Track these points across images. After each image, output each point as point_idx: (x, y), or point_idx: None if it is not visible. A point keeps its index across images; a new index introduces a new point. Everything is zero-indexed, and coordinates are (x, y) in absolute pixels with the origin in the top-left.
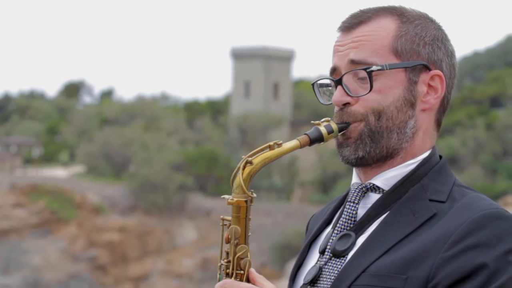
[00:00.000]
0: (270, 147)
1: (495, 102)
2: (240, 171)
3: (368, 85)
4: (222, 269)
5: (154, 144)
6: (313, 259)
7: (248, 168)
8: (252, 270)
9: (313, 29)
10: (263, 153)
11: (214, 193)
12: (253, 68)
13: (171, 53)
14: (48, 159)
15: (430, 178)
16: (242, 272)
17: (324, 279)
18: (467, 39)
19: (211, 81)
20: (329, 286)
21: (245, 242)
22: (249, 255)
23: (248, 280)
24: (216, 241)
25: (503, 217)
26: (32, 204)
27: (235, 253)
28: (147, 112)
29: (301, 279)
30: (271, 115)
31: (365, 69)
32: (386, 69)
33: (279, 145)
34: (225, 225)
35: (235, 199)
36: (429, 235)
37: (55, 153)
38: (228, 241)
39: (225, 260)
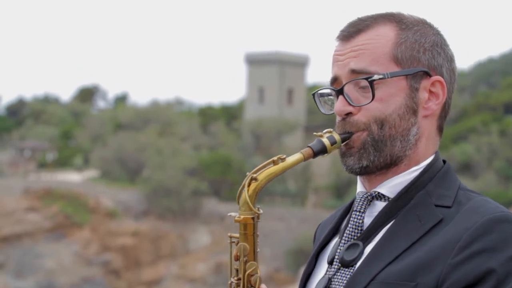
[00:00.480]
0: (274, 162)
1: (510, 108)
2: (246, 188)
3: (370, 94)
4: (232, 286)
5: (168, 149)
6: (322, 269)
7: (254, 185)
8: (263, 286)
9: (328, 35)
10: (267, 168)
11: (228, 198)
12: (267, 74)
13: (185, 58)
14: (62, 163)
15: (435, 184)
16: None
17: None
18: (482, 45)
19: (226, 86)
20: None
21: (254, 259)
22: (259, 272)
23: None
24: (229, 246)
25: (509, 220)
26: (46, 208)
27: (245, 270)
28: (161, 117)
29: None
30: (285, 120)
31: (366, 79)
32: (388, 77)
33: (283, 159)
34: (233, 242)
35: (242, 217)
36: (437, 241)
37: (69, 158)
38: (237, 258)
39: (235, 278)
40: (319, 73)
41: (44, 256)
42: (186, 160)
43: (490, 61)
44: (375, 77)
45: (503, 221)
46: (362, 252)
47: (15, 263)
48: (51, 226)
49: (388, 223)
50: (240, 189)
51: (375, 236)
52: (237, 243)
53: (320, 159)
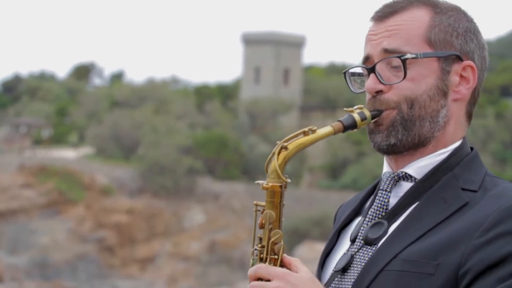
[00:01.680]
0: (305, 133)
1: (506, 91)
2: (275, 156)
3: (402, 73)
4: (255, 254)
5: (164, 127)
6: (343, 247)
7: (283, 154)
8: (286, 255)
9: (324, 15)
10: (298, 138)
11: (222, 177)
12: (263, 54)
13: (182, 37)
14: (58, 140)
15: (462, 168)
16: (276, 257)
17: (356, 267)
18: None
19: (222, 65)
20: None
21: (279, 227)
22: (282, 241)
23: (282, 265)
24: (223, 225)
25: None
26: (40, 184)
27: (269, 238)
28: (157, 95)
29: (330, 267)
30: (280, 100)
31: (399, 57)
32: (420, 57)
33: (314, 131)
34: (258, 210)
35: (270, 184)
36: (461, 223)
37: (65, 135)
38: (262, 226)
39: (259, 245)
40: (316, 54)
41: (38, 233)
42: (181, 139)
43: (487, 44)
44: (408, 55)
45: None
46: (386, 231)
47: (9, 239)
48: (46, 203)
49: (414, 204)
50: (269, 157)
51: (400, 215)
52: (263, 211)
53: None
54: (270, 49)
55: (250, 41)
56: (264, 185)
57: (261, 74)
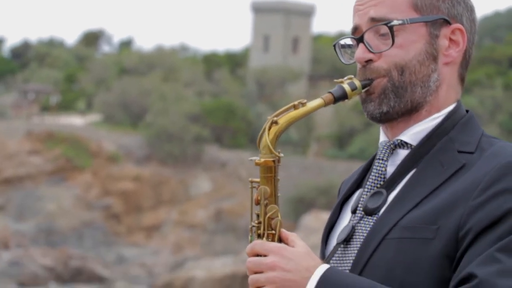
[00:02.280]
0: (295, 107)
1: None
2: (266, 132)
3: (390, 41)
4: (253, 231)
5: (172, 94)
6: (345, 219)
7: (274, 128)
8: (283, 230)
9: None
10: (288, 112)
11: (230, 145)
12: (273, 22)
13: (191, 5)
14: (65, 107)
15: (458, 130)
16: (273, 232)
17: (357, 237)
18: None
19: (231, 33)
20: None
21: (275, 202)
22: (279, 215)
23: (279, 241)
24: (230, 194)
25: None
26: (48, 151)
27: (265, 214)
28: (166, 63)
29: (334, 240)
30: (289, 69)
31: (386, 24)
32: (407, 23)
33: (304, 104)
34: (254, 187)
35: (262, 160)
36: (459, 185)
37: (73, 101)
38: (257, 202)
39: (256, 222)
40: (325, 23)
41: (45, 199)
42: (189, 106)
43: (496, 15)
44: (395, 22)
45: None
46: (385, 200)
47: (16, 206)
48: (53, 169)
49: (411, 170)
50: (260, 133)
51: (398, 183)
52: (258, 187)
53: (323, 108)
54: (279, 17)
55: (260, 9)
56: (257, 161)
57: (270, 42)
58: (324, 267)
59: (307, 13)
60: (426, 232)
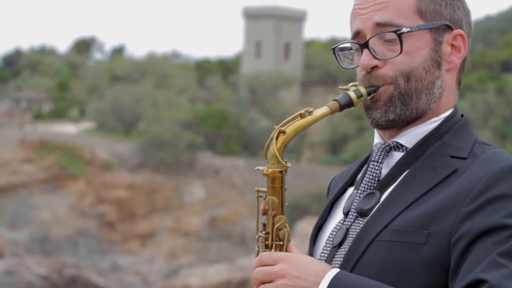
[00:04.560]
0: (302, 115)
1: (507, 66)
2: (274, 141)
3: (397, 47)
4: (260, 241)
5: (164, 101)
6: (335, 220)
7: (282, 138)
8: (293, 242)
9: None
10: (295, 121)
11: (223, 152)
12: (264, 28)
13: (183, 11)
14: (58, 115)
15: (452, 135)
16: (281, 243)
17: (349, 239)
18: (480, 2)
19: (223, 40)
20: None
21: (282, 213)
22: (287, 226)
23: (287, 251)
24: (223, 201)
25: None
26: (41, 159)
27: (273, 224)
28: (158, 70)
29: (323, 241)
30: (281, 75)
31: (395, 32)
32: (415, 30)
33: (310, 112)
34: (261, 196)
35: (270, 170)
36: (451, 190)
37: (65, 109)
38: (265, 212)
39: (263, 232)
40: (317, 28)
41: (39, 208)
42: (181, 113)
43: (488, 19)
44: (404, 30)
45: None
46: (378, 201)
47: (10, 215)
48: (46, 178)
49: (404, 173)
50: (268, 142)
51: (391, 185)
52: (265, 197)
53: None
54: (271, 23)
55: (251, 15)
56: (265, 172)
57: (262, 48)
58: (334, 270)
59: (299, 18)
60: (417, 237)
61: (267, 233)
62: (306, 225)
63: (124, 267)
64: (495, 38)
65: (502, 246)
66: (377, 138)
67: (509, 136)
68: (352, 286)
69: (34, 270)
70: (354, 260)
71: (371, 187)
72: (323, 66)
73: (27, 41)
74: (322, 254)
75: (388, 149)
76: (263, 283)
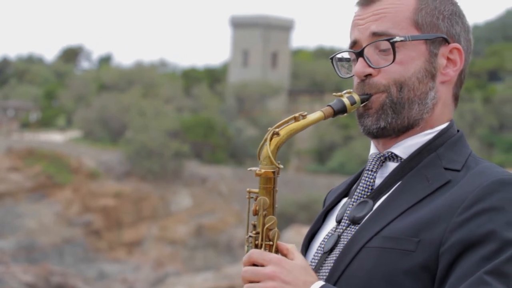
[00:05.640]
0: (296, 119)
1: (493, 76)
2: (268, 143)
3: (390, 56)
4: (250, 241)
5: (151, 110)
6: (328, 228)
7: (275, 140)
8: (281, 242)
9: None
10: (289, 124)
11: (210, 161)
12: (252, 37)
13: (170, 20)
14: (45, 123)
15: (447, 148)
16: (271, 243)
17: (341, 246)
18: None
19: (210, 49)
20: None
21: (273, 213)
22: (276, 227)
23: (276, 251)
24: (210, 209)
25: None
26: (28, 168)
27: (263, 224)
28: (145, 79)
29: (315, 247)
30: (269, 84)
31: (388, 40)
32: (409, 40)
33: (304, 116)
34: (252, 197)
35: (263, 171)
36: (443, 200)
37: (52, 118)
38: (256, 213)
39: (254, 232)
40: (304, 37)
41: (25, 216)
42: (168, 122)
43: (475, 28)
44: (397, 38)
45: (508, 183)
46: (371, 209)
47: None
48: (33, 186)
49: (398, 183)
50: (261, 143)
51: (385, 194)
52: (256, 198)
53: None
54: (259, 32)
55: (239, 24)
56: (257, 172)
57: (249, 57)
58: (319, 284)
59: (286, 27)
60: (408, 244)
61: (257, 233)
62: (293, 234)
63: (111, 275)
64: (482, 47)
65: (490, 263)
66: (372, 149)
67: (496, 145)
68: None
69: (20, 278)
70: (344, 265)
71: (365, 196)
72: (310, 75)
73: (14, 49)
74: (313, 260)
75: (383, 159)
76: (251, 282)
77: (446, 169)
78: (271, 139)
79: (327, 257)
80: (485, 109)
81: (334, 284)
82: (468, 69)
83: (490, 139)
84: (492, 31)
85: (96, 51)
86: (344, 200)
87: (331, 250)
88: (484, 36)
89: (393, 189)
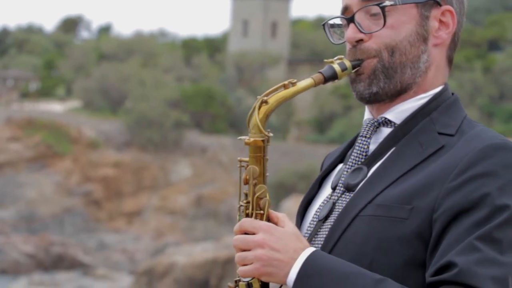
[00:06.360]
0: (285, 86)
1: (493, 45)
2: (256, 111)
3: (381, 21)
4: (241, 210)
5: (151, 80)
6: (324, 194)
7: (264, 108)
8: (272, 210)
9: None
10: (278, 92)
11: (210, 131)
12: (251, 7)
13: None
14: (45, 93)
15: (440, 112)
16: (261, 212)
17: (336, 213)
18: None
19: (210, 18)
20: None
21: (264, 182)
22: (267, 195)
23: (268, 220)
24: (210, 179)
25: (508, 147)
26: (28, 138)
27: (254, 193)
28: (145, 49)
29: (311, 215)
30: (268, 53)
31: (378, 4)
32: (399, 4)
33: (294, 84)
34: (243, 166)
35: (252, 139)
36: (436, 166)
37: (52, 88)
38: (246, 182)
39: (244, 201)
40: (303, 7)
41: (25, 186)
42: (168, 92)
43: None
44: (387, 3)
45: (502, 147)
46: (365, 176)
47: None
48: (33, 156)
49: (392, 148)
50: (250, 112)
51: (379, 160)
52: (247, 167)
53: (303, 92)
54: (259, 2)
55: None
56: (246, 141)
57: (249, 27)
58: (309, 250)
59: None
60: (400, 212)
61: (248, 202)
62: (293, 203)
63: (111, 245)
64: (482, 17)
65: (480, 228)
66: (366, 114)
67: (496, 114)
68: (326, 266)
69: (20, 248)
70: (338, 233)
71: (359, 162)
72: (310, 44)
73: (14, 19)
74: (309, 228)
75: (377, 124)
76: (242, 250)
77: (440, 133)
78: (259, 107)
79: (322, 225)
80: (485, 79)
81: (329, 252)
82: (468, 38)
83: (490, 109)
84: (492, 1)
85: (96, 21)
86: (340, 166)
87: (326, 217)
88: (484, 6)
89: (387, 155)
